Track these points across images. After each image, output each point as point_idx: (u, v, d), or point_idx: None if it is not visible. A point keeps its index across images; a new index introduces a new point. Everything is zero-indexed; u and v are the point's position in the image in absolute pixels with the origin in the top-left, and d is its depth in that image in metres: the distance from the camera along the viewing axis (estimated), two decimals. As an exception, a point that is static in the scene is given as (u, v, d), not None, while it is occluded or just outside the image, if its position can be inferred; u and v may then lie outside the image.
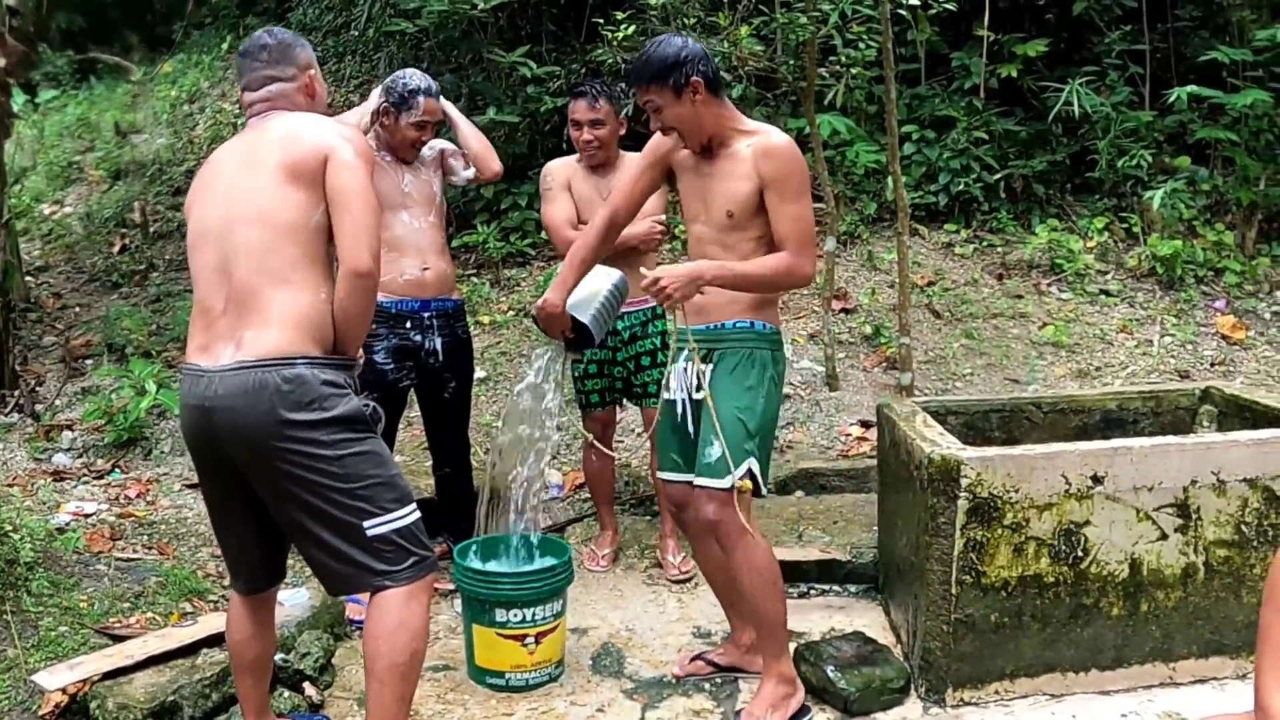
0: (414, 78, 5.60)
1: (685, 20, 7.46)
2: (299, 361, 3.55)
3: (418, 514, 3.72)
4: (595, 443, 5.53)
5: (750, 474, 4.18)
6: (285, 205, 3.63)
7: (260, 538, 3.88)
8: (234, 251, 3.63)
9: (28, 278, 10.38)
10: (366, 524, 3.58)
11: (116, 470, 7.32)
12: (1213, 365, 7.88)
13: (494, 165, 5.94)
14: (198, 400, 3.59)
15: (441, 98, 5.80)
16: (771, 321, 4.38)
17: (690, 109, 4.30)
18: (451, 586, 5.41)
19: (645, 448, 7.05)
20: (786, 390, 7.61)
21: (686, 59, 4.23)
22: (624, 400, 6.08)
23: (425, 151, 5.82)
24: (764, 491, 4.30)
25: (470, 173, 5.93)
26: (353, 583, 3.71)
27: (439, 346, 5.65)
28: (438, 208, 5.79)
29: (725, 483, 4.15)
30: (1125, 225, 9.14)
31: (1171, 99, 8.90)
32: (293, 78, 3.93)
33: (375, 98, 5.64)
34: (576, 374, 5.95)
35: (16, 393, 8.39)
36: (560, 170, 5.93)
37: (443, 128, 5.91)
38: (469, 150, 5.86)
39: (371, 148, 3.96)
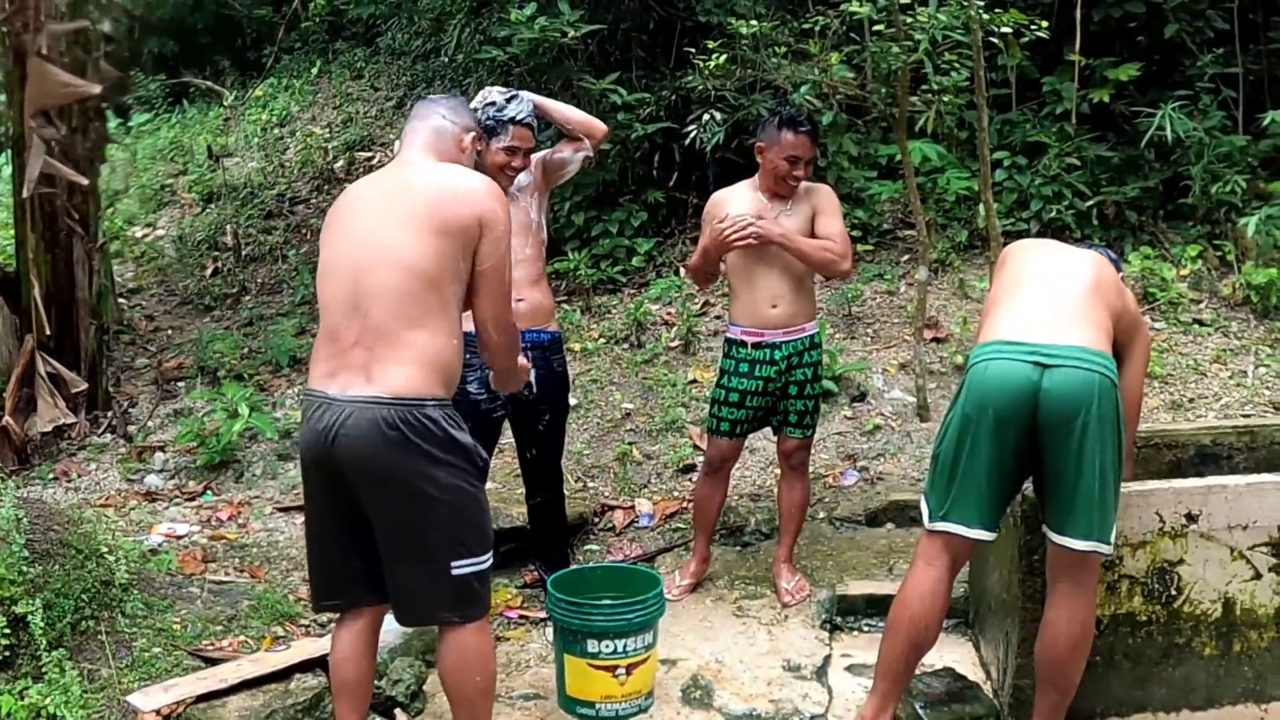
0: (506, 107, 5.46)
1: (776, 49, 7.46)
2: (429, 403, 3.76)
3: (493, 560, 4.00)
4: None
5: None
6: (431, 256, 3.82)
7: (361, 551, 3.98)
8: (371, 290, 3.81)
9: (120, 300, 10.52)
10: (454, 563, 3.83)
11: (208, 493, 7.41)
12: (1308, 396, 7.79)
13: (599, 126, 5.87)
14: (323, 425, 3.74)
15: (532, 118, 5.69)
16: None
17: None
18: (544, 615, 5.42)
19: (756, 480, 7.01)
20: (877, 421, 7.60)
21: None
22: (758, 429, 5.99)
23: (521, 178, 5.66)
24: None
25: (581, 154, 5.84)
26: (426, 614, 4.02)
27: (533, 378, 5.60)
28: (534, 237, 5.69)
29: None
30: (1219, 253, 9.03)
31: (1266, 122, 8.79)
32: (453, 128, 4.20)
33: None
34: (716, 398, 5.87)
35: (110, 414, 8.52)
36: (723, 203, 5.82)
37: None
38: (570, 124, 5.78)
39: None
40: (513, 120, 5.44)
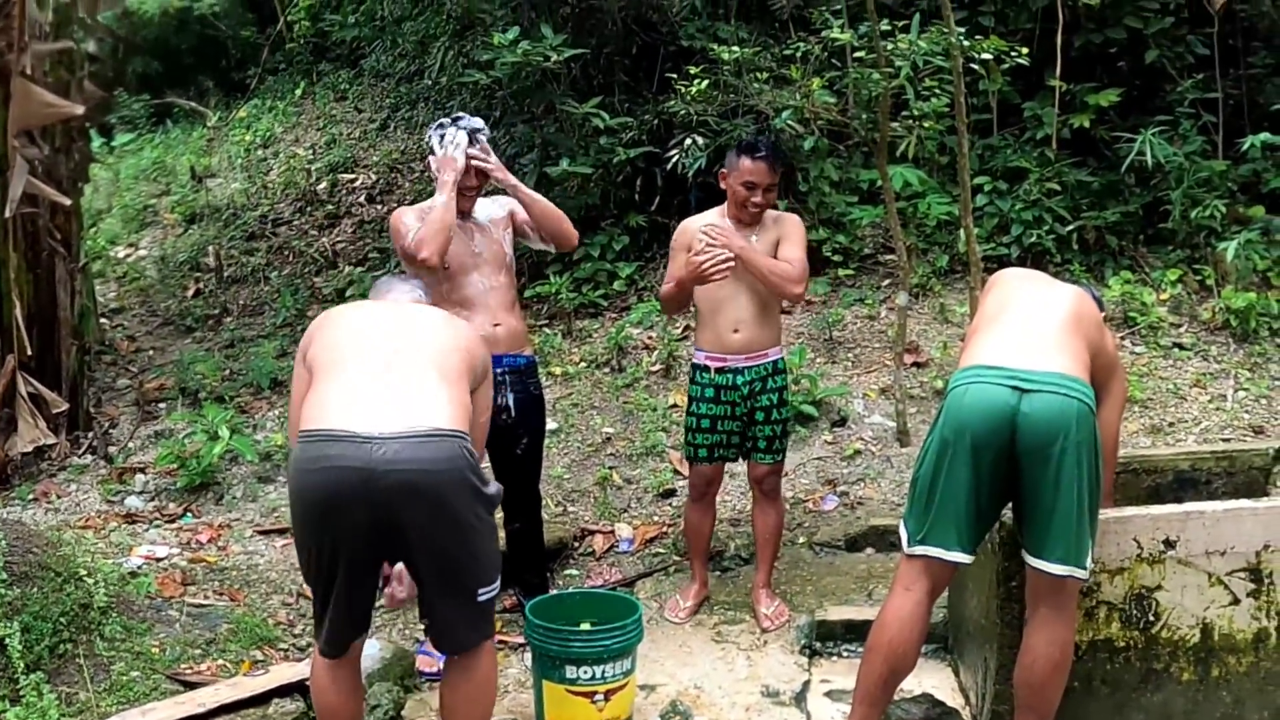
0: (449, 129, 5.67)
1: (758, 75, 7.49)
2: (465, 436, 4.00)
3: None
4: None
5: None
6: (452, 369, 4.20)
7: (365, 598, 4.17)
8: (403, 351, 4.17)
9: (102, 320, 10.52)
10: (480, 590, 4.08)
11: (188, 515, 7.38)
12: (1288, 420, 7.81)
13: (571, 239, 6.04)
14: (361, 463, 3.81)
15: (506, 171, 5.84)
16: None
17: None
18: (522, 640, 5.42)
19: (736, 505, 7.02)
20: (858, 445, 7.61)
21: None
22: (735, 457, 6.00)
23: (495, 211, 5.86)
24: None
25: (541, 245, 6.04)
26: (462, 642, 4.18)
27: (511, 403, 5.67)
28: (508, 267, 5.83)
29: None
30: (1199, 277, 9.06)
31: (1245, 147, 8.83)
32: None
33: (454, 165, 5.62)
34: (689, 426, 5.93)
35: (91, 434, 8.49)
36: (691, 231, 5.87)
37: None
38: (544, 229, 5.89)
39: None
40: (479, 131, 5.67)
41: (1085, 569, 4.14)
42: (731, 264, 5.48)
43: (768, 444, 5.84)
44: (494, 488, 4.07)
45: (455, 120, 5.70)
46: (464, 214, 5.70)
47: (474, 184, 5.71)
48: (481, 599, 4.08)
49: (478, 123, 5.75)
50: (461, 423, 3.99)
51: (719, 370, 5.77)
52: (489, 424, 4.59)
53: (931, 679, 5.13)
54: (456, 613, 4.10)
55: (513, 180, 5.87)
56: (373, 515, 3.84)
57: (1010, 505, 4.31)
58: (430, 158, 5.72)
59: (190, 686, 4.95)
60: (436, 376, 4.07)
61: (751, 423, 5.82)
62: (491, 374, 4.52)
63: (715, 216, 5.86)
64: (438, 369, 4.11)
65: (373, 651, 5.11)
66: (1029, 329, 4.36)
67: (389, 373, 4.04)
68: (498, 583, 4.15)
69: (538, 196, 5.93)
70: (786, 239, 5.73)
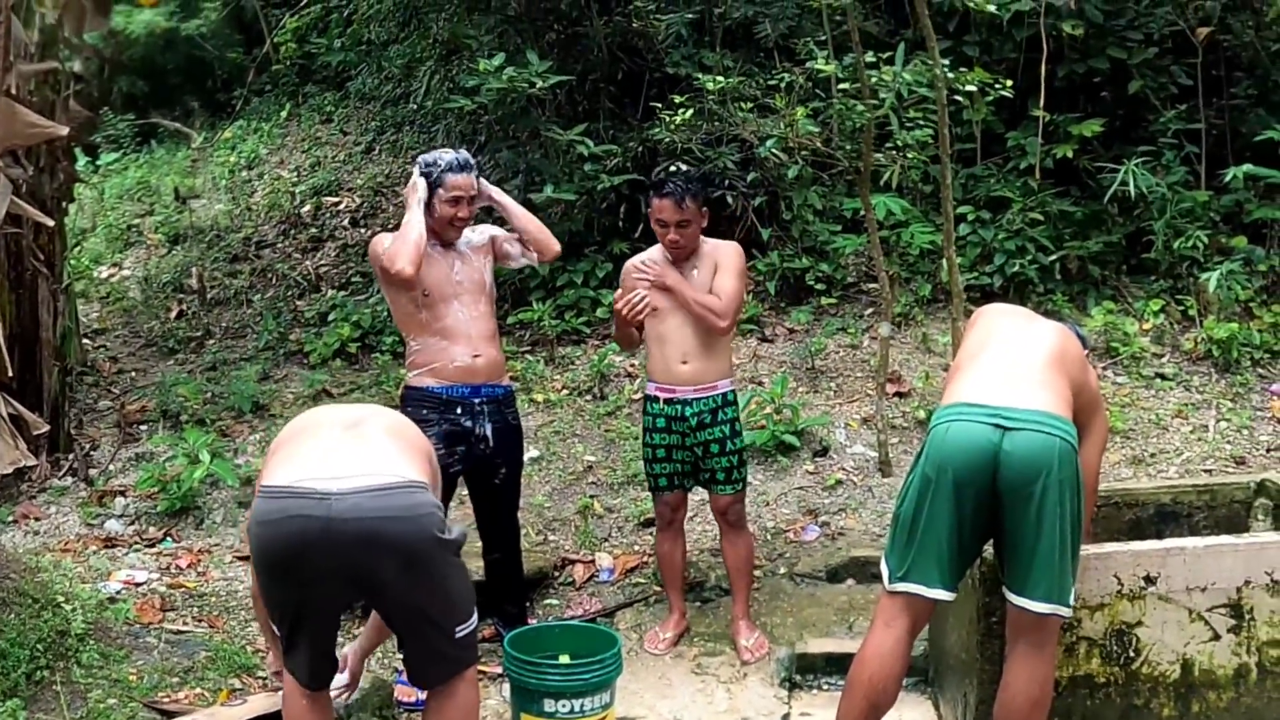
0: (443, 155, 5.73)
1: (743, 103, 7.50)
2: (429, 487, 4.08)
3: None
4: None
5: None
6: (412, 441, 4.31)
7: (331, 638, 4.26)
8: (362, 429, 4.23)
9: (85, 340, 10.46)
10: (458, 628, 4.11)
11: (168, 539, 7.35)
12: (1269, 451, 7.79)
13: (553, 246, 6.05)
14: (321, 514, 3.84)
15: (484, 181, 5.92)
16: None
17: None
18: (501, 671, 5.41)
19: (715, 535, 7.01)
20: (839, 475, 7.60)
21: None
22: (691, 486, 6.04)
23: (474, 238, 5.90)
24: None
25: (528, 258, 6.02)
26: (441, 674, 4.19)
27: (489, 432, 5.68)
28: (488, 295, 5.86)
29: None
30: (1181, 308, 9.08)
31: (1228, 178, 8.88)
32: None
33: (417, 189, 5.67)
34: (646, 456, 5.97)
35: (71, 456, 8.44)
36: (631, 271, 6.00)
37: (492, 212, 5.99)
38: (526, 235, 5.93)
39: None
40: (449, 168, 5.64)
41: (1069, 606, 4.14)
42: (648, 303, 5.65)
43: (726, 475, 5.86)
44: (456, 531, 4.09)
45: (438, 161, 5.73)
46: (448, 244, 5.72)
47: (464, 215, 5.73)
48: (460, 635, 4.10)
49: (465, 155, 5.79)
50: (424, 476, 4.07)
51: (668, 401, 5.84)
52: None
53: (912, 712, 5.13)
54: (434, 652, 4.13)
55: (493, 192, 5.94)
56: (337, 563, 3.87)
57: (991, 541, 4.30)
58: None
59: (167, 715, 4.93)
60: (395, 441, 4.18)
61: (707, 455, 5.85)
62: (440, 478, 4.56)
63: (658, 252, 5.94)
64: (398, 436, 4.23)
65: (341, 682, 5.09)
66: (1012, 366, 4.36)
67: (349, 436, 4.14)
68: (474, 615, 4.17)
69: (520, 209, 6.02)
70: (722, 268, 5.80)
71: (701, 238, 5.89)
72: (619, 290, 5.96)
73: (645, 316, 5.71)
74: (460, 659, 4.16)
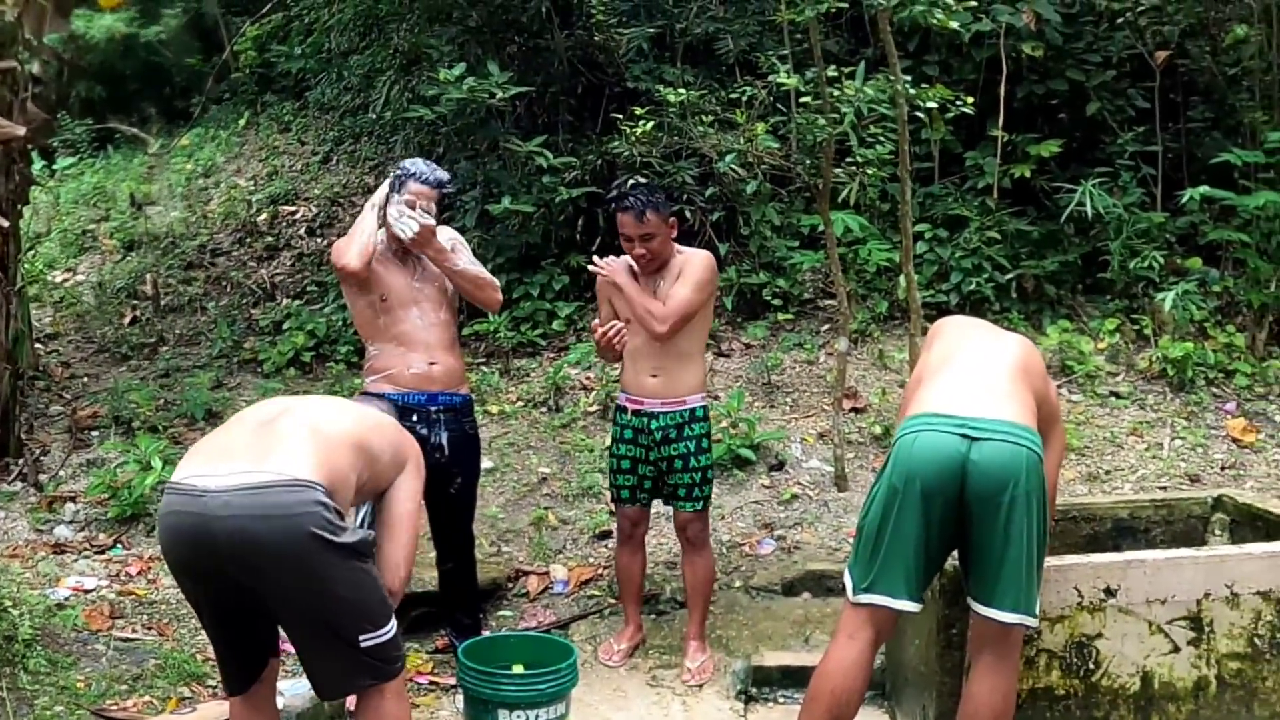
0: (419, 164, 5.72)
1: (703, 118, 7.50)
2: (319, 487, 3.79)
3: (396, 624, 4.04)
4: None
5: None
6: (339, 432, 4.10)
7: (248, 641, 4.10)
8: (280, 422, 4.04)
9: (37, 345, 10.36)
10: (362, 638, 3.88)
11: (118, 546, 7.29)
12: (1223, 469, 7.85)
13: (492, 304, 6.18)
14: (195, 513, 3.73)
15: (446, 228, 5.91)
16: None
17: None
18: (454, 682, 5.37)
19: (673, 549, 6.99)
20: (795, 490, 7.60)
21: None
22: (649, 501, 6.02)
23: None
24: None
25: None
26: (344, 689, 4.15)
27: (445, 441, 5.65)
28: (449, 303, 5.85)
29: None
30: (1136, 327, 9.14)
31: (1184, 200, 8.94)
32: None
33: (376, 192, 5.69)
34: (611, 467, 5.97)
35: (21, 461, 8.36)
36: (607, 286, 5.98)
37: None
38: (464, 293, 5.91)
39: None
40: (411, 176, 5.63)
41: (1035, 616, 4.15)
42: (625, 333, 5.66)
43: (687, 491, 5.83)
44: (354, 535, 3.88)
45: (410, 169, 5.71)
46: (409, 251, 5.69)
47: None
48: (367, 645, 3.90)
49: (442, 175, 5.77)
50: (324, 477, 3.84)
51: (635, 412, 5.84)
52: (416, 513, 4.44)
53: (868, 726, 5.12)
54: (333, 663, 3.96)
55: (444, 239, 5.83)
56: (215, 563, 3.77)
57: (957, 552, 4.30)
58: (390, 206, 5.68)
59: (115, 723, 4.88)
60: (308, 439, 3.96)
61: (670, 470, 5.83)
62: (417, 463, 4.42)
63: (630, 262, 5.92)
64: (314, 432, 4.01)
65: (302, 690, 5.03)
66: (977, 377, 4.36)
67: (257, 431, 4.00)
68: (390, 625, 3.97)
69: (465, 265, 5.88)
70: (681, 277, 5.76)
71: (677, 247, 5.87)
72: (599, 306, 6.04)
73: (618, 347, 5.73)
74: (375, 670, 3.96)
